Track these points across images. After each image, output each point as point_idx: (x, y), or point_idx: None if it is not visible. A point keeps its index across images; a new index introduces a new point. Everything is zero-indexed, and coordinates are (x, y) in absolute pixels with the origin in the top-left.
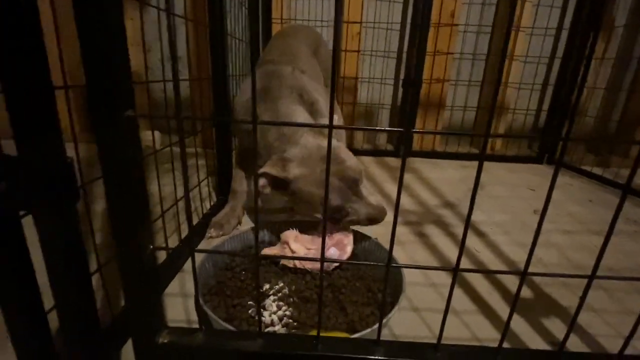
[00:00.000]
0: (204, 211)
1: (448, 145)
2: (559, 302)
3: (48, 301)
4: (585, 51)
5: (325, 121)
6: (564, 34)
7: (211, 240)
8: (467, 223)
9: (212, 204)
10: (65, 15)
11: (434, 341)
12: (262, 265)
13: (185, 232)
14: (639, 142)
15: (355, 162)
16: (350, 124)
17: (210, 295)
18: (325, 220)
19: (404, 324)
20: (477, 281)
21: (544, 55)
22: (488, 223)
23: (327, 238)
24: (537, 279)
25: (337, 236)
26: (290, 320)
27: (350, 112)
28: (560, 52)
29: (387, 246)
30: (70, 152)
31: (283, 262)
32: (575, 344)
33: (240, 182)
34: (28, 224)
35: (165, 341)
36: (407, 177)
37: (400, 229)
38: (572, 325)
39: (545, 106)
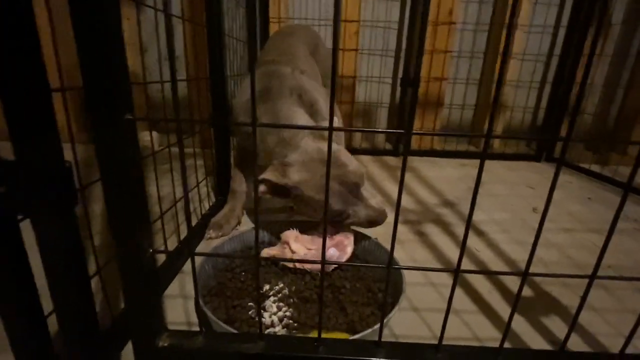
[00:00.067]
0: (203, 212)
1: (447, 144)
2: (559, 301)
3: (47, 304)
4: (583, 49)
5: (326, 123)
6: (562, 32)
7: (210, 241)
8: (468, 223)
9: (210, 204)
10: (59, 15)
11: (434, 341)
12: (262, 265)
13: (184, 232)
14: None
15: (356, 166)
16: (349, 123)
17: (210, 297)
18: (325, 223)
19: (404, 324)
20: (477, 281)
21: (541, 52)
22: (487, 222)
23: (327, 239)
24: (537, 277)
25: (338, 237)
26: (291, 321)
27: (349, 111)
28: (558, 50)
29: (387, 246)
30: (67, 153)
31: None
32: (576, 343)
33: (239, 183)
34: (26, 227)
35: (166, 344)
36: (406, 176)
37: (399, 228)
38: (573, 325)
39: (543, 104)
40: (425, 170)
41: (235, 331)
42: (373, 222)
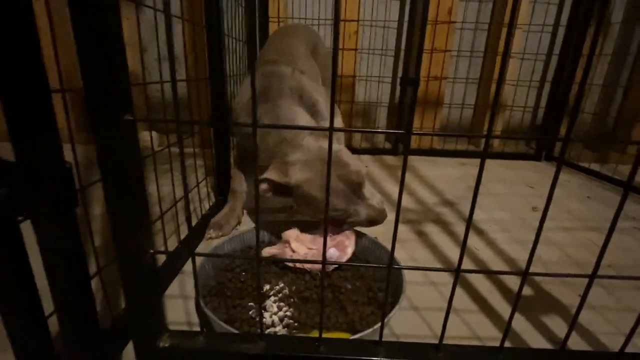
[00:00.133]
0: (203, 212)
1: (446, 143)
2: (559, 300)
3: (48, 305)
4: (582, 48)
5: (326, 123)
6: (561, 31)
7: (210, 241)
8: (469, 223)
9: (210, 204)
10: (56, 16)
11: (434, 340)
12: (263, 265)
13: (184, 233)
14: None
15: (358, 165)
16: (348, 122)
17: (210, 297)
18: (326, 223)
19: (404, 323)
20: (478, 280)
21: (541, 52)
22: (487, 221)
23: (328, 239)
24: (537, 277)
25: (339, 237)
26: (291, 321)
27: (348, 111)
28: (557, 49)
29: (386, 244)
30: (66, 153)
31: None
32: (576, 342)
33: (239, 182)
34: (27, 227)
35: (167, 344)
36: (406, 176)
37: (399, 228)
38: (573, 324)
39: (543, 103)
40: (424, 169)
41: (236, 331)
42: (373, 222)
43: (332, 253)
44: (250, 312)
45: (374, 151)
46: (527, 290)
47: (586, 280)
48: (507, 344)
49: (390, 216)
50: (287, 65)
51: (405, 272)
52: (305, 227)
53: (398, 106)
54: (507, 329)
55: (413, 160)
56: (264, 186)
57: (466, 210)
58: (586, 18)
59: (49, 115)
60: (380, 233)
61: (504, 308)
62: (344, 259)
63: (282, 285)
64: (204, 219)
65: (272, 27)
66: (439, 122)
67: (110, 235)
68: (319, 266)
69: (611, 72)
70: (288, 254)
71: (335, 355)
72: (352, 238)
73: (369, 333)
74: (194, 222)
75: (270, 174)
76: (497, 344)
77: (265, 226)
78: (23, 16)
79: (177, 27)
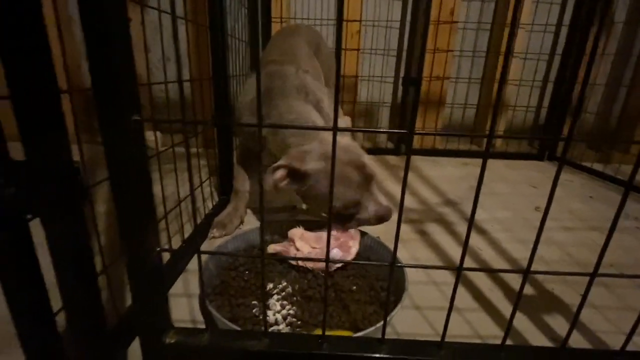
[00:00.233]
0: (206, 211)
1: (448, 143)
2: (560, 299)
3: (56, 302)
4: (585, 47)
5: (331, 122)
6: (564, 30)
7: (214, 240)
8: (471, 223)
9: (214, 203)
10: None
11: (436, 338)
12: (266, 264)
13: (187, 232)
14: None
15: (369, 159)
16: (351, 122)
17: (214, 295)
18: (330, 220)
19: (406, 321)
20: (479, 279)
21: (543, 51)
22: (490, 220)
23: (332, 238)
24: (538, 275)
25: (343, 237)
26: (294, 319)
27: (351, 111)
28: (560, 49)
29: (388, 244)
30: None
31: None
32: (577, 341)
33: (242, 182)
34: (35, 225)
35: (172, 341)
36: (408, 175)
37: (402, 227)
38: (574, 322)
39: (546, 103)
40: (427, 169)
41: (239, 329)
42: (381, 218)
43: (336, 253)
44: (254, 311)
45: (376, 151)
46: (528, 289)
47: (587, 279)
48: (508, 342)
49: (393, 216)
50: (290, 65)
51: (408, 272)
52: (309, 227)
53: (400, 106)
54: (508, 327)
55: (415, 160)
56: (280, 173)
57: (468, 210)
58: (589, 18)
59: (58, 115)
60: (382, 233)
61: (505, 307)
62: (348, 259)
63: (285, 283)
64: (207, 219)
65: (275, 28)
66: (442, 122)
67: (115, 234)
68: (322, 265)
69: (614, 72)
70: (292, 253)
71: (338, 353)
72: (357, 238)
73: (371, 331)
74: (197, 221)
75: (288, 160)
76: (498, 342)
77: (268, 225)
78: (33, 18)
79: (181, 28)
